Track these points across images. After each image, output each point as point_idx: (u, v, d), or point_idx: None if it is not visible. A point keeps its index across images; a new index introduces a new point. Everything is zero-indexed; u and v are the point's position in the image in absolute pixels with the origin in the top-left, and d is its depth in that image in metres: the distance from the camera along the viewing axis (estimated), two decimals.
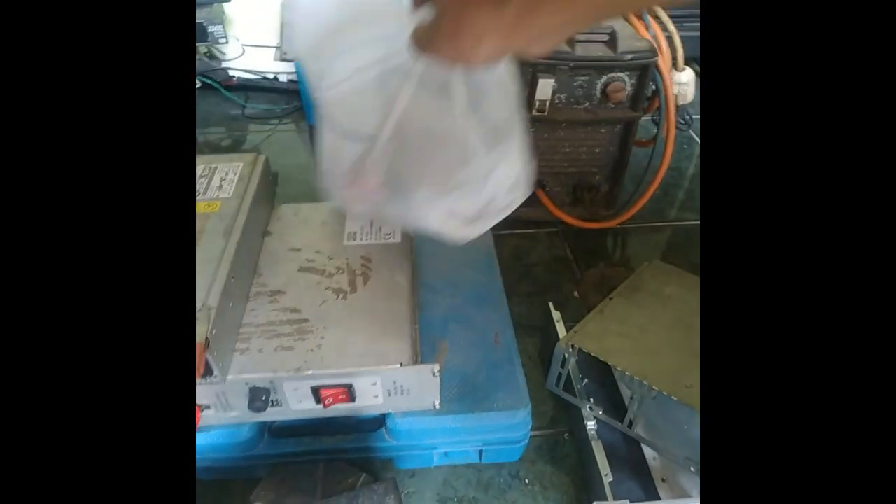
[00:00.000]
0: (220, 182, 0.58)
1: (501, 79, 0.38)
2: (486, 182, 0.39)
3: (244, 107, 1.19)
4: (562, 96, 0.75)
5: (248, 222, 0.54)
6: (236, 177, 0.58)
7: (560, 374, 0.58)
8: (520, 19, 0.25)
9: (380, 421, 0.54)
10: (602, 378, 0.60)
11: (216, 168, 0.60)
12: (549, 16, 0.25)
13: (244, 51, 1.26)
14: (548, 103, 0.74)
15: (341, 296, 0.54)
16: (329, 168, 0.40)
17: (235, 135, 1.13)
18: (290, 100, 1.19)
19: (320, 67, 0.38)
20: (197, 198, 0.56)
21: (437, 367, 0.48)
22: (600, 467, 0.52)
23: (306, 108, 1.11)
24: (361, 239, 0.60)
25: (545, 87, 0.73)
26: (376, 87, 0.36)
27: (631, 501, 0.49)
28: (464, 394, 0.53)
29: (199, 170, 0.59)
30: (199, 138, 1.11)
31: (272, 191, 0.64)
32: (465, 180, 0.39)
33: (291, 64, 1.20)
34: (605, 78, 0.74)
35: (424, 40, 0.30)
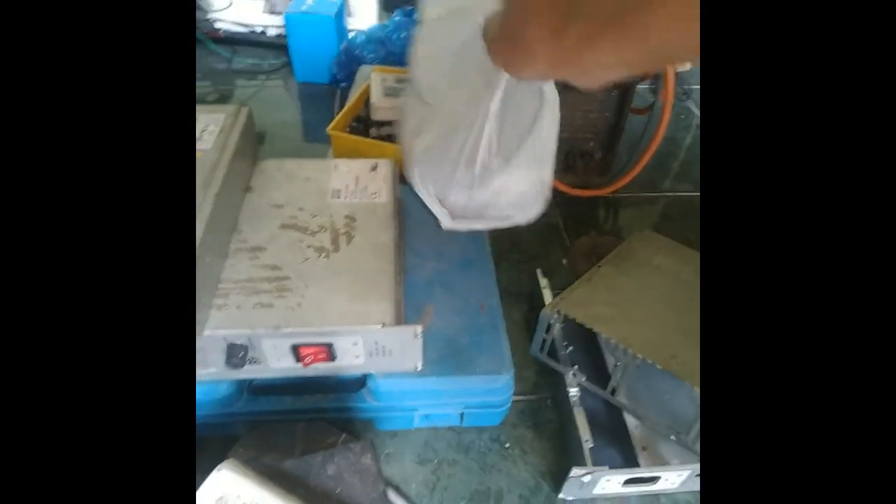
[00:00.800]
0: (199, 133, 0.55)
1: (549, 100, 0.38)
2: (483, 187, 0.39)
3: (230, 60, 1.14)
4: None
5: (228, 176, 0.52)
6: (217, 129, 0.56)
7: (545, 341, 0.57)
8: (576, 50, 0.25)
9: (361, 381, 0.53)
10: (586, 346, 0.59)
11: (196, 119, 0.57)
12: (606, 54, 0.25)
13: (231, 2, 1.21)
14: None
15: (324, 254, 0.52)
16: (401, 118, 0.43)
17: (221, 89, 1.09)
18: (278, 55, 1.15)
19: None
20: None
21: (419, 329, 0.47)
22: (581, 433, 0.51)
23: (294, 64, 1.08)
24: (346, 198, 0.59)
25: None
26: (453, 58, 0.37)
27: (610, 468, 0.49)
28: (446, 357, 0.53)
29: None
30: None
31: (255, 145, 0.62)
32: (462, 178, 0.39)
33: (280, 17, 1.15)
34: None
35: (487, 35, 0.30)
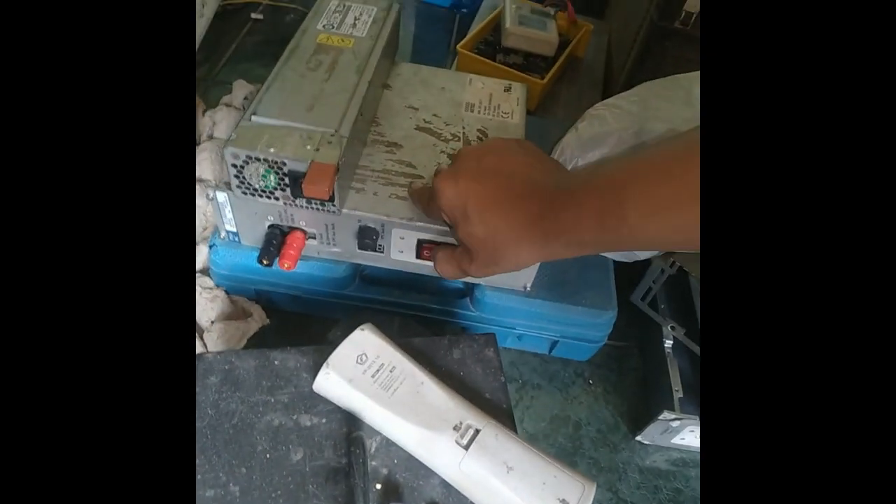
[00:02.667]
0: (353, 21, 0.56)
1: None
2: None
3: None
4: None
5: (378, 67, 0.53)
6: (370, 19, 0.56)
7: (650, 290, 0.57)
8: (477, 273, 0.40)
9: (464, 291, 0.55)
10: (685, 301, 0.59)
11: (350, 6, 0.58)
12: (500, 271, 0.39)
13: None
14: (694, 16, 0.69)
15: None
16: None
17: None
18: None
19: None
20: (330, 31, 0.55)
21: None
22: (673, 382, 0.52)
23: None
24: (479, 112, 0.59)
25: None
26: None
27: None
28: (554, 284, 0.53)
29: (333, 4, 0.58)
30: None
31: (396, 45, 0.62)
32: None
33: None
34: None
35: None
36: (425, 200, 0.44)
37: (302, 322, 0.58)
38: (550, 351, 0.58)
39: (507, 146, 0.39)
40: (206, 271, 0.55)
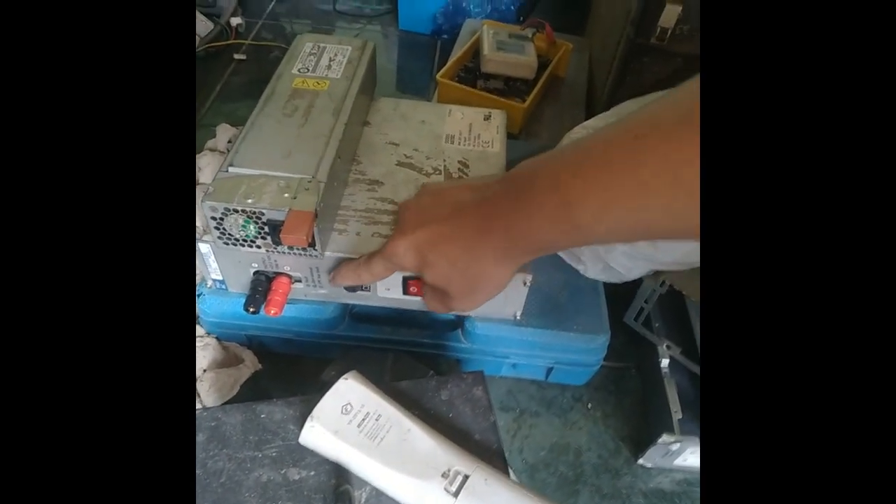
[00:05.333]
0: (328, 62, 0.57)
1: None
2: None
3: (334, 1, 1.15)
4: (685, 27, 0.70)
5: (355, 107, 0.53)
6: (345, 59, 0.57)
7: (642, 309, 0.57)
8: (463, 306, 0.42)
9: (455, 323, 0.55)
10: (680, 319, 0.59)
11: (325, 48, 0.58)
12: (483, 297, 0.40)
13: None
14: (669, 32, 0.69)
15: None
16: None
17: (323, 28, 1.11)
18: (382, 0, 1.15)
19: None
20: (306, 74, 0.55)
21: (529, 278, 0.47)
22: (671, 404, 0.51)
23: (401, 10, 1.08)
24: (460, 143, 0.59)
25: (671, 14, 0.68)
26: None
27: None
28: (545, 311, 0.53)
29: (307, 48, 0.58)
30: (287, 28, 1.09)
31: (374, 81, 0.63)
32: None
33: None
34: None
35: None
36: (370, 268, 0.44)
37: (295, 363, 0.58)
38: (547, 377, 0.57)
39: (439, 184, 0.39)
40: (195, 320, 0.55)
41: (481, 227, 0.35)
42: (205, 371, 0.52)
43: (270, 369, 0.55)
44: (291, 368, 0.57)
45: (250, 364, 0.53)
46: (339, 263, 0.46)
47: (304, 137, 0.49)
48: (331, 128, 0.50)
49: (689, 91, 0.24)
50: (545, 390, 0.58)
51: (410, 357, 0.55)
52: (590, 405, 0.57)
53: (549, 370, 0.56)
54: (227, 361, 0.53)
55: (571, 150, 0.31)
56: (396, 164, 0.56)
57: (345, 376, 0.38)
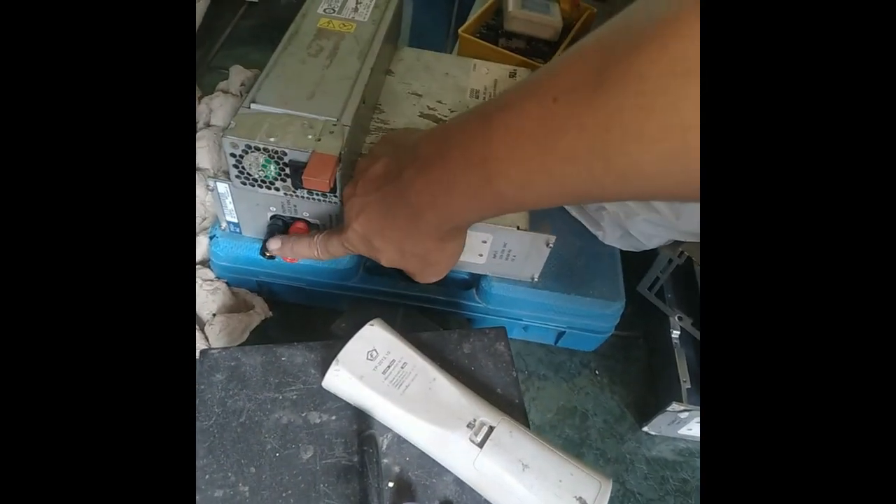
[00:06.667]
0: (355, 4, 0.54)
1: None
2: None
3: None
4: None
5: (381, 53, 0.51)
6: (372, 3, 0.55)
7: (657, 279, 0.56)
8: (427, 279, 0.40)
9: (470, 282, 0.54)
10: (692, 291, 0.59)
11: None
12: (441, 269, 0.40)
13: None
14: None
15: None
16: None
17: None
18: None
19: None
20: (332, 15, 0.53)
21: (552, 239, 0.47)
22: (680, 373, 0.52)
23: None
24: (484, 98, 0.57)
25: None
26: None
27: None
28: (561, 275, 0.53)
29: None
30: None
31: (399, 29, 0.60)
32: None
33: None
34: None
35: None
36: (328, 248, 0.42)
37: (304, 314, 0.57)
38: (556, 342, 0.57)
39: (372, 164, 0.37)
40: (206, 263, 0.53)
41: (410, 213, 0.34)
42: (214, 315, 0.51)
43: (280, 318, 0.54)
44: (300, 319, 0.57)
45: (261, 310, 0.52)
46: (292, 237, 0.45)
47: (329, 79, 0.47)
48: (357, 71, 0.48)
49: (604, 54, 0.23)
50: (554, 354, 0.58)
51: (420, 314, 0.55)
52: (597, 371, 0.57)
53: (560, 335, 0.56)
54: (237, 307, 0.52)
55: (480, 119, 0.29)
56: (419, 115, 0.54)
57: (370, 322, 0.37)
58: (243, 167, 0.43)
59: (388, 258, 0.37)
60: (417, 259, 0.37)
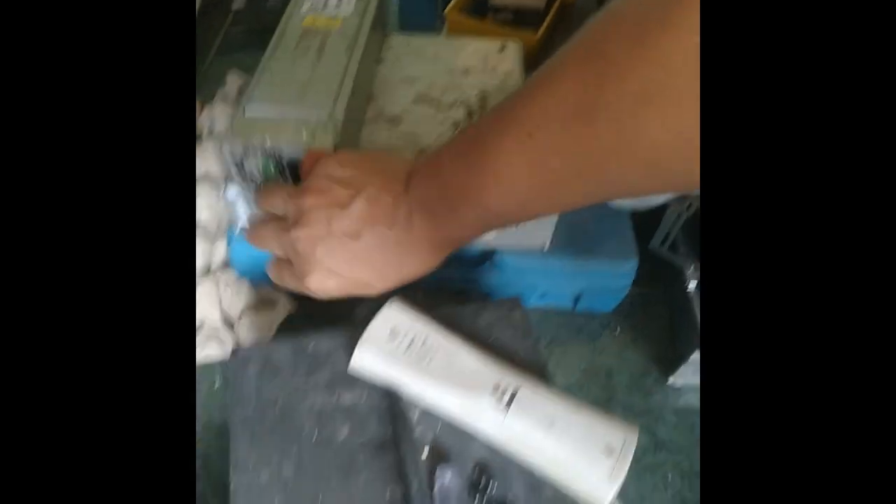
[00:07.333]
0: (337, 0, 0.55)
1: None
2: None
3: None
4: None
5: (368, 43, 0.52)
6: None
7: (668, 234, 0.57)
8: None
9: (484, 257, 0.55)
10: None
11: None
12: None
13: None
14: None
15: (460, 128, 0.52)
16: None
17: None
18: None
19: None
20: (314, 13, 0.54)
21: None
22: (699, 326, 0.52)
23: None
24: (476, 76, 0.58)
25: None
26: None
27: None
28: (572, 239, 0.53)
29: None
30: None
31: (385, 17, 0.61)
32: None
33: None
34: None
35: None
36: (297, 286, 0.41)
37: (326, 303, 0.59)
38: (575, 306, 0.58)
39: (345, 199, 0.35)
40: (227, 265, 0.55)
41: (407, 244, 0.35)
42: (240, 317, 0.53)
43: (303, 309, 0.56)
44: (323, 307, 0.58)
45: (284, 306, 0.54)
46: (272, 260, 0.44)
47: (318, 76, 0.48)
48: (345, 65, 0.49)
49: (575, 84, 0.25)
50: (573, 319, 0.59)
51: (439, 292, 0.56)
52: (618, 330, 0.58)
53: (577, 298, 0.57)
54: (262, 305, 0.54)
55: (465, 158, 0.31)
56: (413, 101, 0.55)
57: (389, 302, 0.38)
58: (245, 171, 0.44)
59: (372, 292, 0.38)
60: (400, 280, 0.38)
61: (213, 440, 0.48)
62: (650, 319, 0.59)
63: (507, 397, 0.34)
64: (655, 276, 0.62)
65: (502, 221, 0.32)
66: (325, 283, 0.36)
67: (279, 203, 0.40)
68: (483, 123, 0.30)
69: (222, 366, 0.53)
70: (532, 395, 0.34)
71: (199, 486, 0.46)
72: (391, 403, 0.36)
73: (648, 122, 0.22)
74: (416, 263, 0.36)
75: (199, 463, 0.47)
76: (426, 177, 0.33)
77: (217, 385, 0.52)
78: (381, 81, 0.57)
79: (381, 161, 0.37)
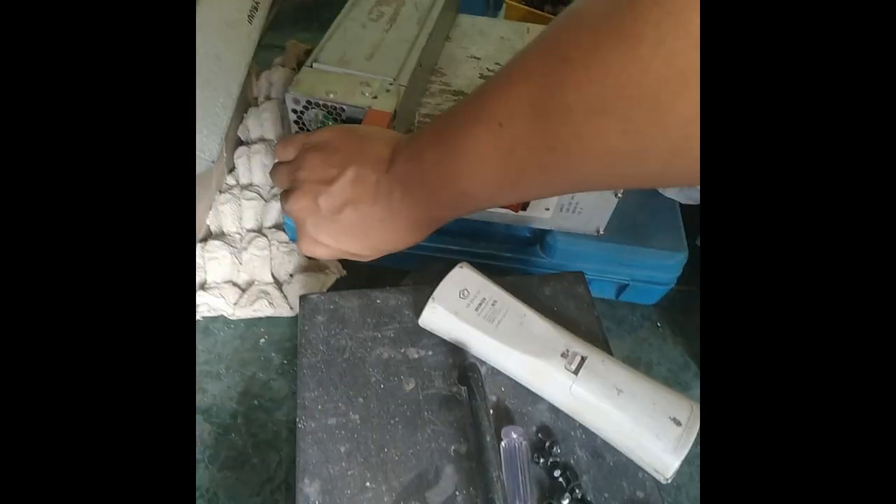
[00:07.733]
0: None
1: None
2: None
3: None
4: None
5: (440, 19, 0.53)
6: None
7: None
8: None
9: (534, 238, 0.56)
10: None
11: None
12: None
13: None
14: None
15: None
16: None
17: None
18: None
19: None
20: None
21: (620, 190, 0.48)
22: None
23: None
24: None
25: None
26: None
27: None
28: (624, 227, 0.54)
29: None
30: None
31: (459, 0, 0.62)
32: None
33: None
34: None
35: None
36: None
37: (372, 274, 0.59)
38: (618, 296, 0.59)
39: (332, 176, 0.36)
40: (281, 226, 0.56)
41: (383, 226, 0.36)
42: (291, 275, 0.53)
43: (348, 279, 0.57)
44: (369, 279, 0.59)
45: (335, 270, 0.54)
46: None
47: (388, 42, 0.49)
48: (415, 36, 0.50)
49: (538, 85, 0.25)
50: (615, 309, 0.59)
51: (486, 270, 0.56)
52: (659, 323, 0.58)
53: (622, 288, 0.57)
54: (312, 268, 0.55)
55: (443, 139, 0.31)
56: (479, 77, 0.55)
57: (459, 265, 0.39)
58: (304, 123, 0.45)
59: (362, 258, 0.39)
60: (389, 248, 0.38)
61: (260, 390, 0.49)
62: (690, 315, 0.59)
63: (575, 363, 0.34)
64: (696, 275, 0.62)
65: (477, 205, 0.32)
66: (314, 249, 0.38)
67: (290, 156, 0.40)
68: (461, 109, 0.31)
69: (268, 321, 0.53)
70: (600, 363, 0.34)
71: (240, 441, 0.46)
72: (457, 361, 0.36)
73: (607, 131, 0.22)
74: (399, 238, 0.37)
75: (239, 420, 0.48)
76: (408, 158, 0.34)
77: (262, 341, 0.53)
78: (449, 57, 0.57)
79: (369, 139, 0.38)
